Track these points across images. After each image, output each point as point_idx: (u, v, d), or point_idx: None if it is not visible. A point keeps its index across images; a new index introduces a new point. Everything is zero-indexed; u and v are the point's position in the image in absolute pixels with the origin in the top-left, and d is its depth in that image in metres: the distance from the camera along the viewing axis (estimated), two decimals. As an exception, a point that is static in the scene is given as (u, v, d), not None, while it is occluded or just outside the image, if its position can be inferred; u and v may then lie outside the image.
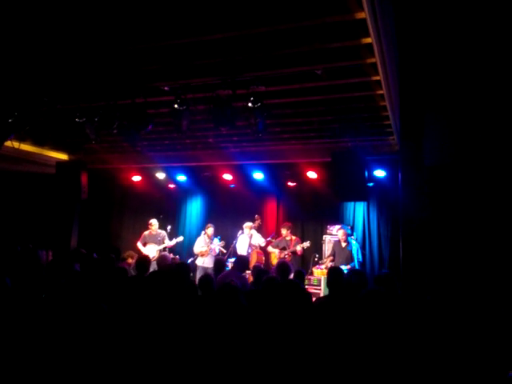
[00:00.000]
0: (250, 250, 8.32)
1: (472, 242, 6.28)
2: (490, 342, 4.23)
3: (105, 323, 3.14)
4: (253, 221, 8.60)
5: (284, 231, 8.27)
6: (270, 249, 8.37)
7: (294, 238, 8.27)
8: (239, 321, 3.30)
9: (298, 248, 7.95)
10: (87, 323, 3.07)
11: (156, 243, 8.46)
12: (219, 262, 6.02)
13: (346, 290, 3.66)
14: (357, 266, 7.32)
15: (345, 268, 7.37)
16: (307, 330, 3.10)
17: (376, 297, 3.20)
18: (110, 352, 3.00)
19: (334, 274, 4.01)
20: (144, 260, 5.20)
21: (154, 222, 8.63)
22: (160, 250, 8.39)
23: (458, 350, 4.03)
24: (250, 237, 8.43)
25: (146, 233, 8.65)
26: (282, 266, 5.06)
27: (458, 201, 6.54)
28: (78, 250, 6.28)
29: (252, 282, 5.41)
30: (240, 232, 8.56)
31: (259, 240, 8.52)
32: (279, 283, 3.92)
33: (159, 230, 8.67)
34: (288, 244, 8.19)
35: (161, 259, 6.33)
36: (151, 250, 8.40)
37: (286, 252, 8.09)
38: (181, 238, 8.83)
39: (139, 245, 8.55)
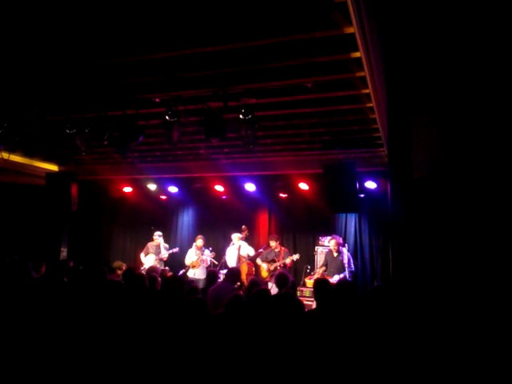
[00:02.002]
0: (239, 262, 8.26)
1: (462, 252, 6.32)
2: (488, 350, 4.24)
3: (89, 335, 3.10)
4: (240, 232, 8.58)
5: (273, 243, 8.21)
6: (258, 261, 8.31)
7: (283, 249, 8.24)
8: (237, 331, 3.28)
9: (288, 260, 7.92)
10: (71, 334, 3.04)
11: (156, 254, 8.66)
12: (212, 273, 5.97)
13: (335, 303, 3.63)
14: (347, 276, 7.30)
15: (336, 277, 7.36)
16: (298, 344, 3.08)
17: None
18: (95, 363, 2.96)
19: (320, 285, 3.96)
20: (131, 271, 5.14)
21: (159, 234, 8.91)
22: (156, 260, 8.54)
23: (456, 357, 4.03)
24: (239, 248, 8.40)
25: (150, 244, 8.85)
26: (281, 277, 5.00)
27: (447, 211, 6.58)
28: (66, 262, 6.21)
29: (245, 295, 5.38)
30: (232, 243, 8.53)
31: (248, 250, 8.48)
32: (270, 296, 3.89)
33: (164, 242, 8.97)
34: (277, 255, 8.14)
35: (148, 270, 6.28)
36: (149, 260, 8.54)
37: (275, 265, 8.05)
38: (176, 249, 8.88)
39: (141, 255, 8.79)
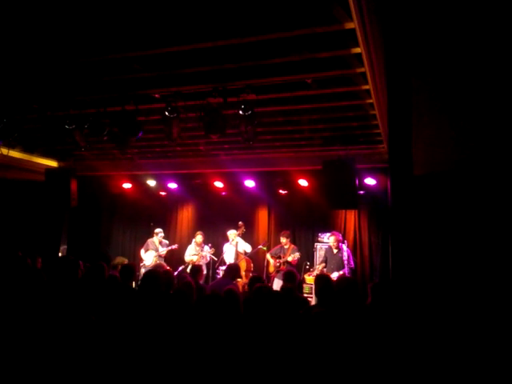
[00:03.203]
0: (238, 259, 8.26)
1: (462, 249, 6.32)
2: (488, 347, 4.24)
3: (93, 334, 3.09)
4: (237, 228, 8.56)
5: (283, 239, 8.22)
6: (268, 256, 8.36)
7: (292, 246, 8.25)
8: (236, 329, 3.29)
9: (290, 259, 7.93)
10: (75, 333, 3.03)
11: (156, 250, 8.72)
12: (194, 267, 5.99)
13: (336, 299, 3.64)
14: (347, 273, 7.32)
15: (336, 274, 7.38)
16: (297, 341, 3.08)
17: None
18: (99, 363, 2.96)
19: (321, 282, 3.96)
20: (128, 267, 5.14)
21: (159, 231, 8.97)
22: (156, 257, 8.60)
23: (457, 354, 4.04)
24: (236, 245, 8.39)
25: (150, 240, 8.90)
26: (289, 274, 5.00)
27: (447, 209, 6.58)
28: (66, 258, 6.20)
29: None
30: (231, 240, 8.53)
31: (244, 246, 8.49)
32: (270, 292, 3.89)
33: (163, 239, 9.02)
34: (284, 252, 8.17)
35: (155, 267, 6.27)
36: (149, 257, 8.59)
37: (280, 261, 8.08)
38: (175, 246, 8.90)
39: (141, 252, 8.85)
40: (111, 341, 3.17)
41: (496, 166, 6.09)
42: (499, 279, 5.78)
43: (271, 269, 8.20)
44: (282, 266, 7.96)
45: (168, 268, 7.91)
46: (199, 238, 8.65)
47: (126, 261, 6.61)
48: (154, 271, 4.25)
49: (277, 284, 7.74)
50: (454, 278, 6.14)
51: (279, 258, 8.15)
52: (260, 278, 4.95)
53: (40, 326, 3.26)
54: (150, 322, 3.43)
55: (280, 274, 7.75)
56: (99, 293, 4.31)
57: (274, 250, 8.38)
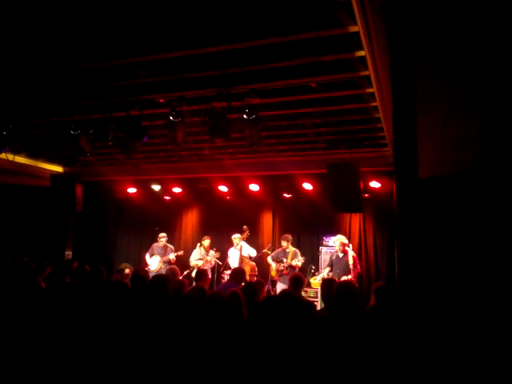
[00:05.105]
0: (242, 263, 8.22)
1: (468, 253, 6.27)
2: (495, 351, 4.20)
3: (104, 340, 3.07)
4: (242, 232, 8.54)
5: (284, 243, 8.18)
6: (269, 260, 8.32)
7: (294, 250, 8.20)
8: (240, 333, 3.27)
9: (293, 263, 7.90)
10: (85, 340, 3.02)
11: (161, 255, 8.72)
12: (199, 271, 5.97)
13: (337, 303, 3.61)
14: (353, 278, 7.27)
15: (345, 278, 7.33)
16: (302, 346, 3.06)
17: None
18: (108, 368, 2.95)
19: (328, 285, 3.94)
20: (139, 273, 5.12)
21: (162, 236, 8.95)
22: (161, 262, 8.61)
23: (463, 359, 4.00)
24: (240, 249, 8.37)
25: (155, 245, 8.91)
26: (295, 279, 4.98)
27: (453, 212, 6.54)
28: (70, 262, 6.22)
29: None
30: (235, 244, 8.51)
31: (249, 250, 8.45)
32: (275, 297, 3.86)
33: (168, 244, 9.00)
34: (287, 256, 8.12)
35: (168, 272, 6.24)
36: (154, 262, 8.60)
37: (282, 265, 8.04)
38: (181, 252, 8.88)
39: (146, 256, 8.84)
40: (115, 345, 3.17)
41: (501, 168, 6.05)
42: (507, 283, 5.73)
43: (273, 273, 8.14)
44: (285, 271, 7.92)
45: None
46: (207, 242, 8.64)
47: (130, 266, 6.62)
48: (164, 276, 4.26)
49: (280, 288, 7.70)
50: (460, 281, 6.09)
51: (281, 261, 8.10)
52: (252, 286, 4.86)
53: (48, 329, 3.26)
54: (152, 325, 3.42)
55: (283, 278, 7.72)
56: (99, 297, 4.29)
57: (276, 253, 8.30)
